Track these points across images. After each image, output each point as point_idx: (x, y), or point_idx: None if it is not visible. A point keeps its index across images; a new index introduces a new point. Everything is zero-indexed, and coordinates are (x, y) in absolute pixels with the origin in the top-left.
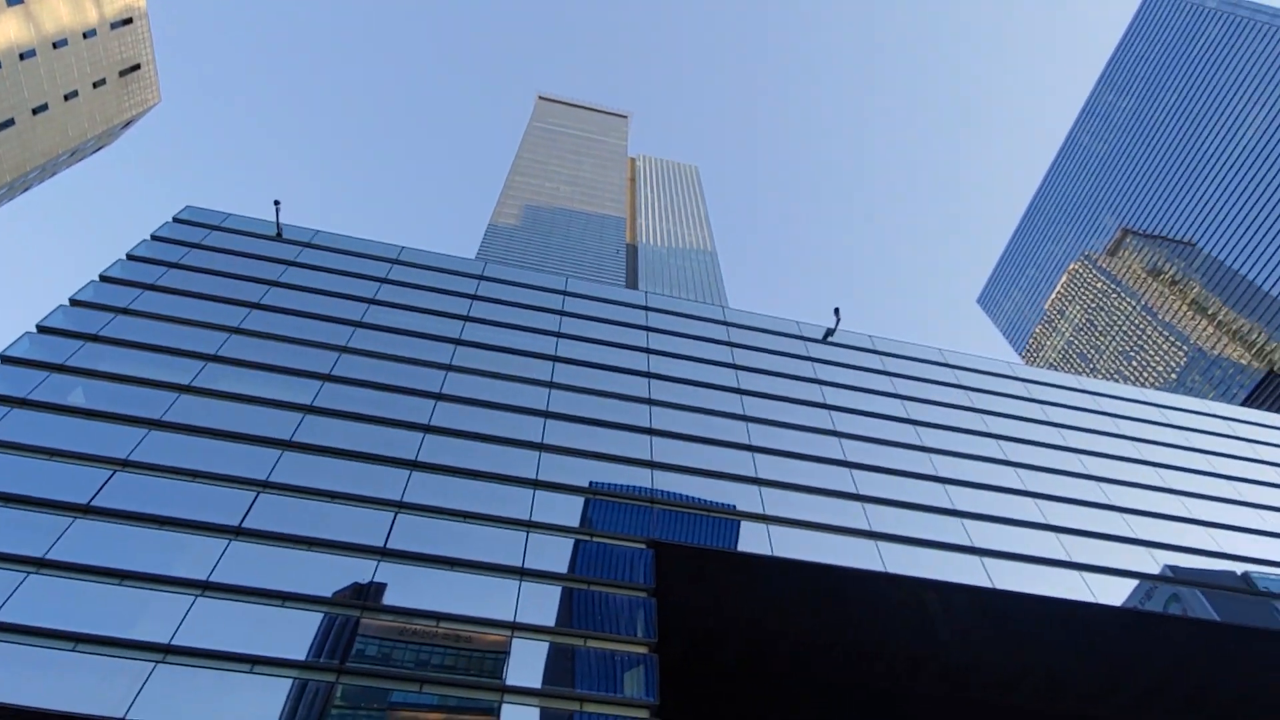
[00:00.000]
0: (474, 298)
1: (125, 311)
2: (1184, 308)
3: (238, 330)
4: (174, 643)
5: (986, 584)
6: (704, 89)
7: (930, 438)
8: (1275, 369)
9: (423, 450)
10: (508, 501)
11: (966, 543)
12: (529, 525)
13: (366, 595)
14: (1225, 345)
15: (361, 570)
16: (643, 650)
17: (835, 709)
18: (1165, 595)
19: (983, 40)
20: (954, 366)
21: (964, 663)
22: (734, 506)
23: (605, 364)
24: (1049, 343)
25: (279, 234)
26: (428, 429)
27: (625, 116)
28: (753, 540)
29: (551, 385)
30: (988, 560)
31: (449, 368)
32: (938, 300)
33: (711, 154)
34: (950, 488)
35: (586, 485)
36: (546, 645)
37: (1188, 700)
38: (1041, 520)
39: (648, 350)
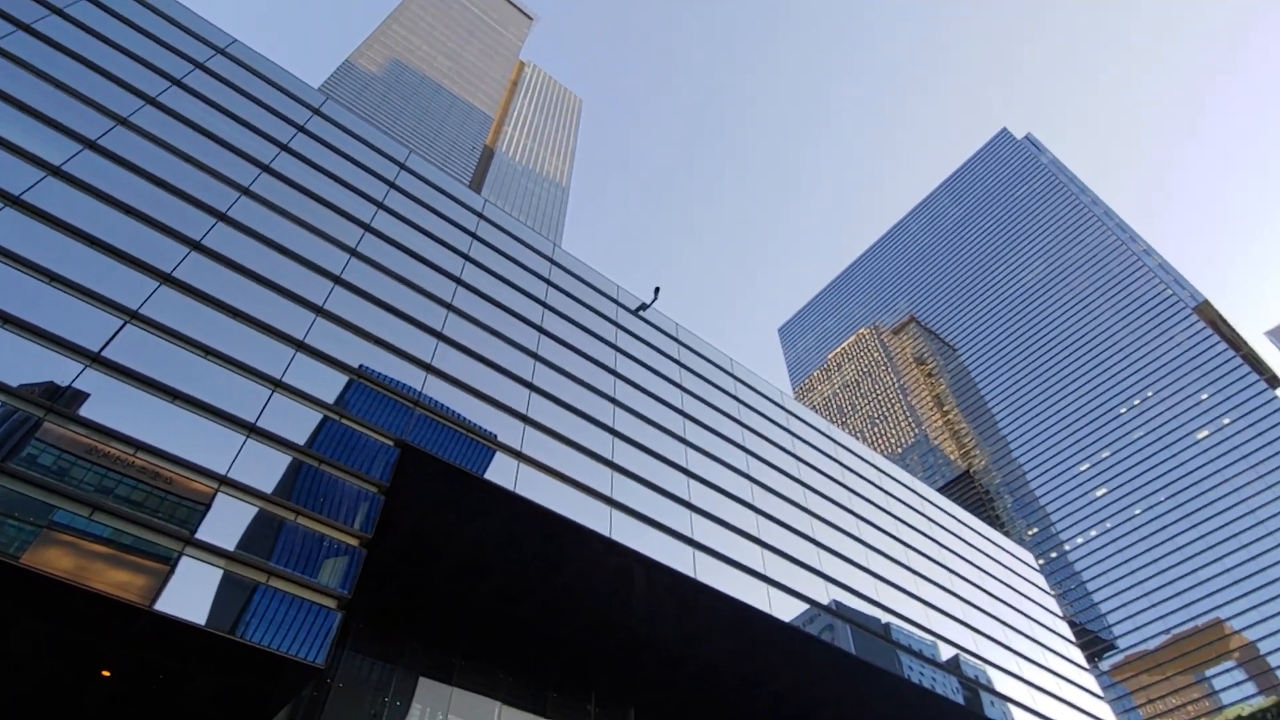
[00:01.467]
0: (301, 130)
1: None
2: (929, 398)
3: None
4: None
5: (690, 573)
6: (623, 29)
7: (692, 432)
8: (971, 471)
9: (182, 267)
10: (263, 354)
11: (688, 533)
12: (277, 385)
13: (59, 398)
14: (944, 440)
15: (63, 370)
16: (354, 542)
17: (522, 650)
18: (824, 623)
19: (896, 100)
20: (736, 378)
21: (646, 636)
22: (494, 436)
23: (418, 253)
24: (819, 388)
25: None
26: (197, 247)
27: (532, 19)
28: (501, 473)
29: (354, 254)
30: (699, 554)
31: (245, 191)
32: (746, 315)
33: (600, 97)
34: (692, 482)
35: (355, 366)
36: (254, 510)
37: (816, 701)
38: (755, 533)
39: (466, 257)
